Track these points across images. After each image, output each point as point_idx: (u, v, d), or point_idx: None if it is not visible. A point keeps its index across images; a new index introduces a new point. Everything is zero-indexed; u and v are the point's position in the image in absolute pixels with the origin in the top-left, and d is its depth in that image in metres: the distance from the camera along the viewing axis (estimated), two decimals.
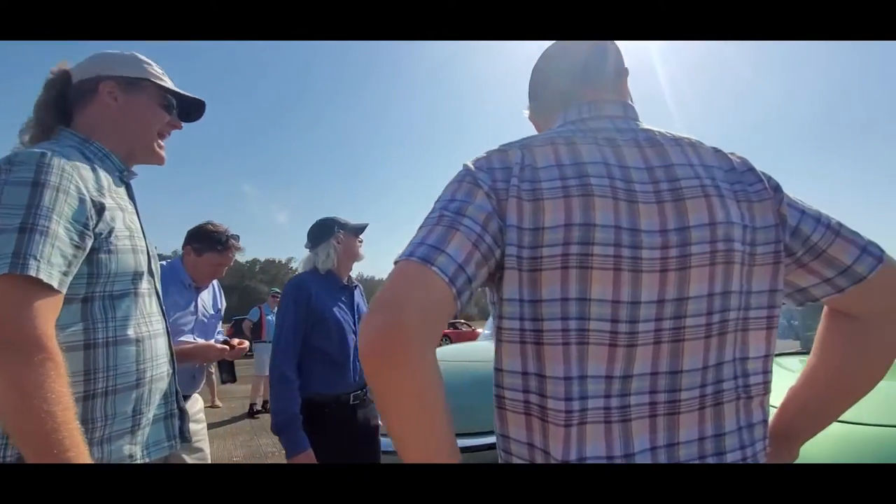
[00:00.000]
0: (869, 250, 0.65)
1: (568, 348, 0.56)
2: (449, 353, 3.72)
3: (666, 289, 0.58)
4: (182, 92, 1.08)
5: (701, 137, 0.70)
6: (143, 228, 1.01)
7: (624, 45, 0.78)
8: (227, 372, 1.96)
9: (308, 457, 1.55)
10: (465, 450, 2.80)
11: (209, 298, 1.95)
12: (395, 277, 0.55)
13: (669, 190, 0.61)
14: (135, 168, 1.04)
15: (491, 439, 2.84)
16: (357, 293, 1.94)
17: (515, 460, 0.61)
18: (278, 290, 6.92)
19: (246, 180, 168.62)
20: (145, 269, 0.96)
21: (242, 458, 4.38)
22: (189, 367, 1.76)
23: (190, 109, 1.13)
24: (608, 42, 0.76)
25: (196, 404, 1.87)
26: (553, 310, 0.57)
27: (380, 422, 2.03)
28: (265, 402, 6.17)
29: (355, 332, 1.81)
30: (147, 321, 0.95)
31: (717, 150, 0.67)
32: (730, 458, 0.60)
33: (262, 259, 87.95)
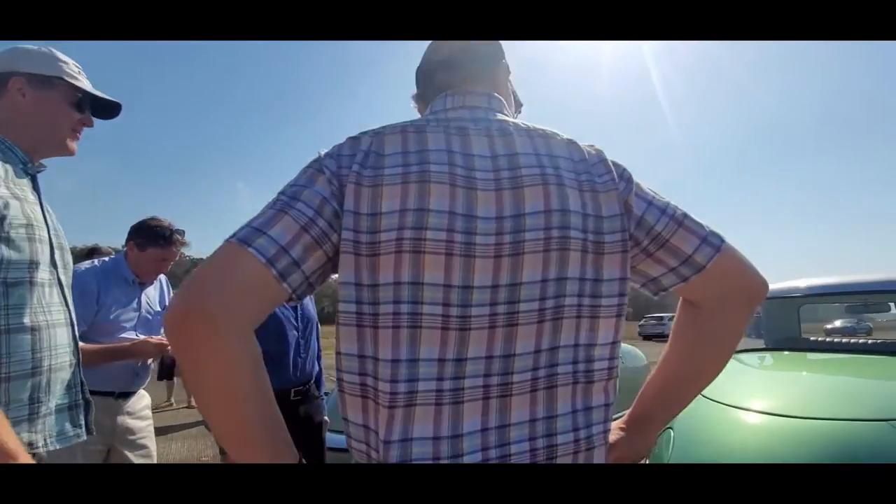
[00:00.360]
0: (708, 240, 0.67)
1: (398, 331, 0.57)
2: None
3: (500, 274, 0.59)
4: (96, 92, 1.10)
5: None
6: (51, 220, 1.02)
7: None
8: (166, 369, 1.93)
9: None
10: None
11: (155, 295, 1.93)
12: (210, 258, 0.56)
13: (510, 178, 0.62)
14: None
15: None
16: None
17: (355, 444, 0.61)
18: None
19: (239, 178, 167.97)
20: (46, 259, 0.97)
21: (211, 458, 4.34)
22: (132, 364, 1.75)
23: (108, 108, 1.15)
24: (489, 42, 0.78)
25: (141, 401, 1.85)
26: (388, 294, 0.57)
27: (326, 417, 2.04)
28: None
29: (297, 328, 1.82)
30: (46, 310, 0.96)
31: (570, 142, 0.69)
32: (560, 439, 0.61)
33: None
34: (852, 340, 3.00)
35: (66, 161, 1.12)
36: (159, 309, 1.92)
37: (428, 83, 0.79)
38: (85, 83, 1.08)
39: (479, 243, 0.58)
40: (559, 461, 0.61)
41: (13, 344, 0.88)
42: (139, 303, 1.83)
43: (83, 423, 1.03)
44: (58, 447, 0.96)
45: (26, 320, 0.91)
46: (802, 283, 2.93)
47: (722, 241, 0.68)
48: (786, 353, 2.70)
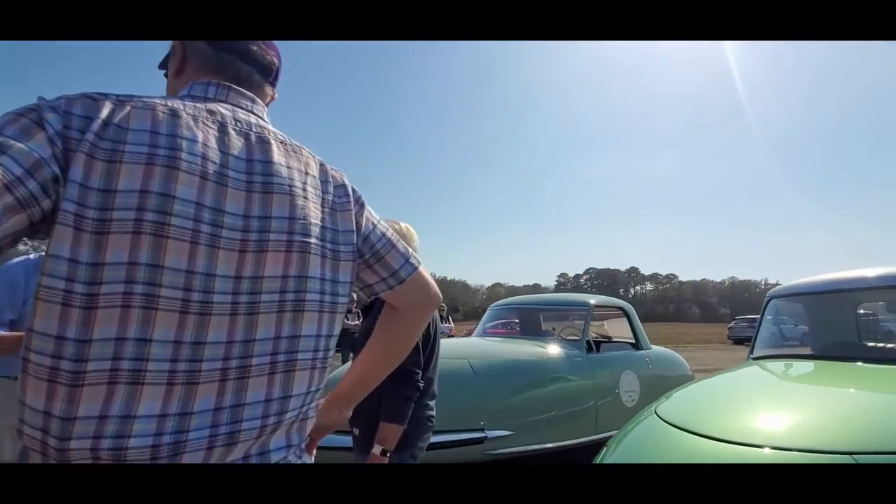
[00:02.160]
0: (410, 261, 0.86)
1: (128, 311, 0.56)
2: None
3: (244, 267, 0.65)
4: None
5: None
6: None
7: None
8: None
9: None
10: (459, 444, 2.90)
11: None
12: None
13: (262, 183, 0.68)
14: None
15: (468, 435, 2.94)
16: None
17: (28, 431, 0.57)
18: None
19: None
20: None
21: None
22: None
23: None
24: (273, 43, 0.83)
25: None
26: (117, 273, 0.56)
27: None
28: None
29: None
30: None
31: (322, 164, 0.79)
32: (289, 416, 0.70)
33: None
34: None
35: None
36: None
37: (197, 61, 0.77)
38: None
39: (225, 237, 0.63)
40: (279, 434, 0.69)
41: None
42: None
43: None
44: None
45: None
46: (871, 272, 2.42)
47: (418, 263, 0.88)
48: (833, 362, 2.30)
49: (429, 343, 1.75)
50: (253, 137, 0.71)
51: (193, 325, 0.60)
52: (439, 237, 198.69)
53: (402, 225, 1.89)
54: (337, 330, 0.77)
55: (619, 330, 5.22)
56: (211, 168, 0.63)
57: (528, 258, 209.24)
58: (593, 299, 4.62)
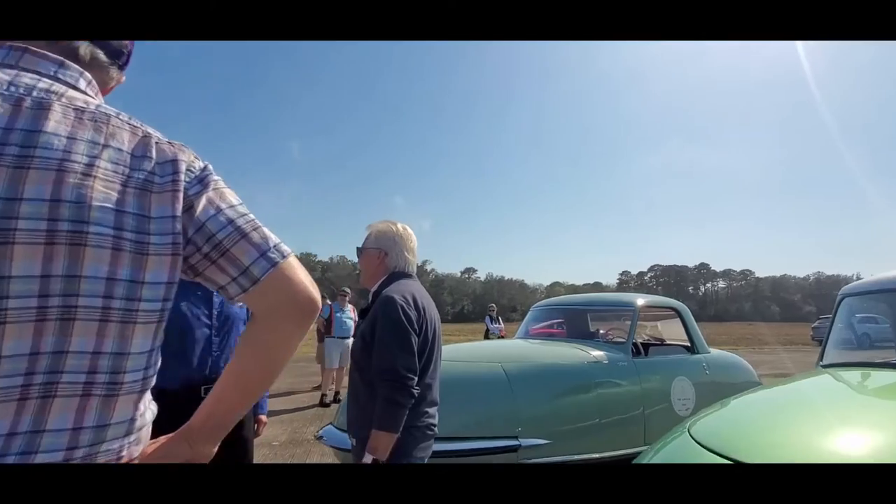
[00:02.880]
0: (268, 255, 0.69)
1: None
2: (457, 353, 3.73)
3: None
4: None
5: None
6: None
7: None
8: None
9: None
10: (491, 451, 2.83)
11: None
12: None
13: (15, 156, 0.55)
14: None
15: (501, 443, 2.81)
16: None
17: None
18: (347, 289, 7.66)
19: (398, 193, 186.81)
20: None
21: (284, 441, 4.97)
22: None
23: None
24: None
25: None
26: None
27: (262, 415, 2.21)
28: (336, 394, 7.01)
29: (208, 325, 1.87)
30: None
31: (142, 137, 0.65)
32: (45, 457, 0.54)
33: None
34: None
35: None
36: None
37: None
38: None
39: None
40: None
41: None
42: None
43: None
44: None
45: None
46: None
47: (283, 257, 0.70)
48: None
49: (427, 348, 1.65)
50: (27, 103, 0.59)
51: None
52: (495, 239, 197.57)
53: (399, 226, 1.80)
54: (145, 346, 0.62)
55: (675, 332, 4.83)
56: None
57: (589, 256, 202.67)
58: (641, 299, 4.31)
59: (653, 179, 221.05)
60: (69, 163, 0.57)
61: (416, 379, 1.56)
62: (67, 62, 0.67)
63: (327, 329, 7.10)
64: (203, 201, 0.67)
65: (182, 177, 0.66)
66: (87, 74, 0.69)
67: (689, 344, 4.36)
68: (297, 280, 0.71)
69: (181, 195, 0.65)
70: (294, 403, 6.91)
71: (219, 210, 0.68)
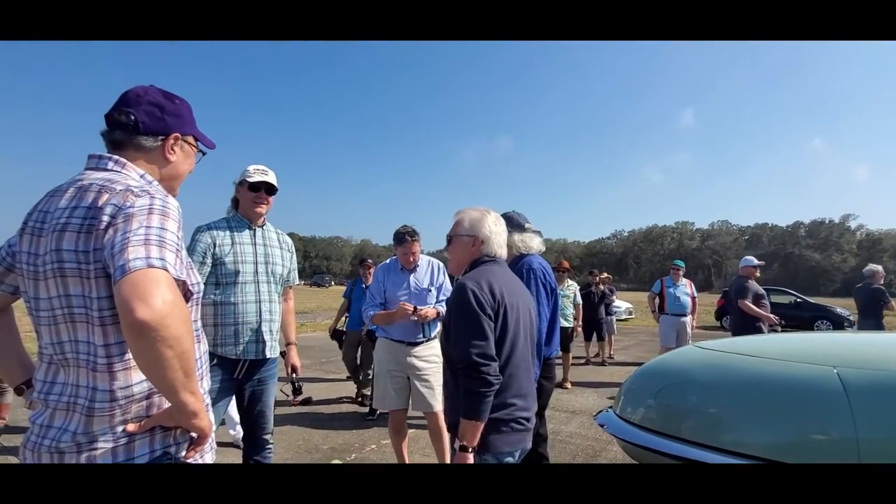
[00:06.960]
0: (123, 268, 0.82)
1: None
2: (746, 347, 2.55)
3: (38, 290, 0.98)
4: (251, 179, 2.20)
5: None
6: (260, 251, 2.23)
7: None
8: (296, 388, 2.55)
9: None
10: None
11: (424, 277, 2.96)
12: None
13: (39, 229, 1.00)
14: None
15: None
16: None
17: None
18: (679, 263, 6.31)
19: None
20: (249, 270, 2.20)
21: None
22: (412, 324, 2.87)
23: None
24: (126, 97, 1.11)
25: (428, 349, 2.97)
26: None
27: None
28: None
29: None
30: (242, 295, 2.17)
31: (96, 193, 0.96)
32: (55, 398, 1.00)
33: (807, 221, 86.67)
34: None
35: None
36: (424, 287, 2.95)
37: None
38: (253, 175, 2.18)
39: (26, 270, 1.01)
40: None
41: (224, 311, 2.07)
42: (408, 283, 2.94)
43: (263, 350, 2.15)
44: (251, 357, 2.12)
45: (231, 299, 2.08)
46: None
47: (128, 271, 0.82)
48: None
49: (506, 335, 1.58)
50: (66, 190, 1.00)
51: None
52: None
53: (492, 213, 1.81)
54: (110, 339, 0.93)
55: None
56: (32, 224, 1.02)
57: None
58: None
59: None
60: (57, 224, 0.96)
61: (494, 364, 1.50)
62: (114, 157, 1.06)
63: (660, 306, 6.15)
64: (113, 232, 0.91)
65: (105, 217, 0.93)
66: (115, 156, 1.06)
67: None
68: (133, 295, 0.81)
69: (103, 231, 0.92)
70: None
71: (117, 232, 0.90)
